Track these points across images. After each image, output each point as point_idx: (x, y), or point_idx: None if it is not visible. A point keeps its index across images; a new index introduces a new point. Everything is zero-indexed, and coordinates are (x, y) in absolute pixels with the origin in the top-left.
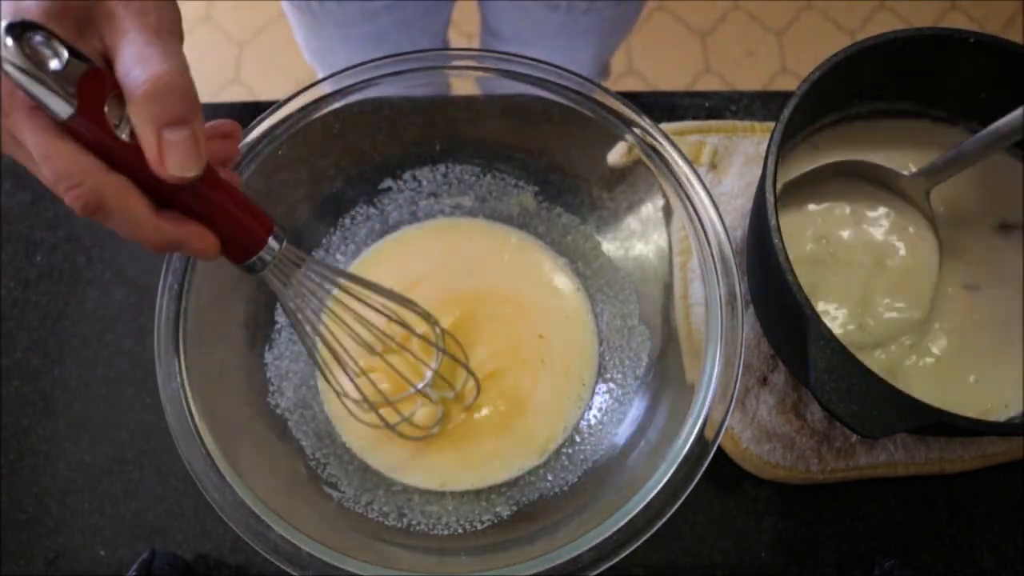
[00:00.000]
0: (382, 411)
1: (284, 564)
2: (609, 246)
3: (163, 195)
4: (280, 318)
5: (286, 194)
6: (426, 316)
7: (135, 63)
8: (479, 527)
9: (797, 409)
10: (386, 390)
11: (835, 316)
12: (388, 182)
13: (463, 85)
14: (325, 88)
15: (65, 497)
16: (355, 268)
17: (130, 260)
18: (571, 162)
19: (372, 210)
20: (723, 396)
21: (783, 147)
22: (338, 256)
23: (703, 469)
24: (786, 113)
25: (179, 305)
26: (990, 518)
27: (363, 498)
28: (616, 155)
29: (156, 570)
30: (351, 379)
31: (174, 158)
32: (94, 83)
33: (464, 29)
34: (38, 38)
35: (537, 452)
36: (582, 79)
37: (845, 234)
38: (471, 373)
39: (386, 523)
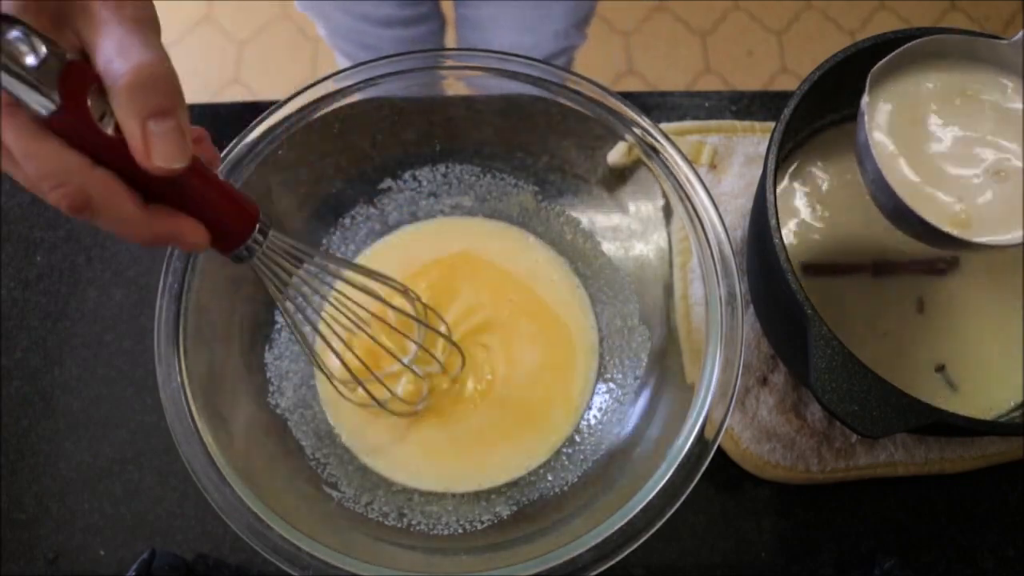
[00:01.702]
0: (371, 388)
1: (284, 564)
2: (609, 246)
3: (151, 189)
4: (280, 318)
5: (286, 194)
6: (404, 291)
7: (115, 54)
8: (479, 527)
9: (797, 409)
10: (372, 366)
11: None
12: (388, 182)
13: (463, 85)
14: (325, 88)
15: (65, 497)
16: None
17: (130, 260)
18: (571, 162)
19: (372, 210)
20: (723, 396)
21: (783, 147)
22: (338, 256)
23: (703, 469)
24: (786, 113)
25: (179, 305)
26: (990, 518)
27: (363, 498)
28: (616, 155)
29: (156, 570)
30: (339, 358)
31: (160, 149)
32: (75, 77)
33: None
34: (14, 32)
35: (538, 452)
36: (582, 79)
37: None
38: (453, 344)
39: (386, 523)
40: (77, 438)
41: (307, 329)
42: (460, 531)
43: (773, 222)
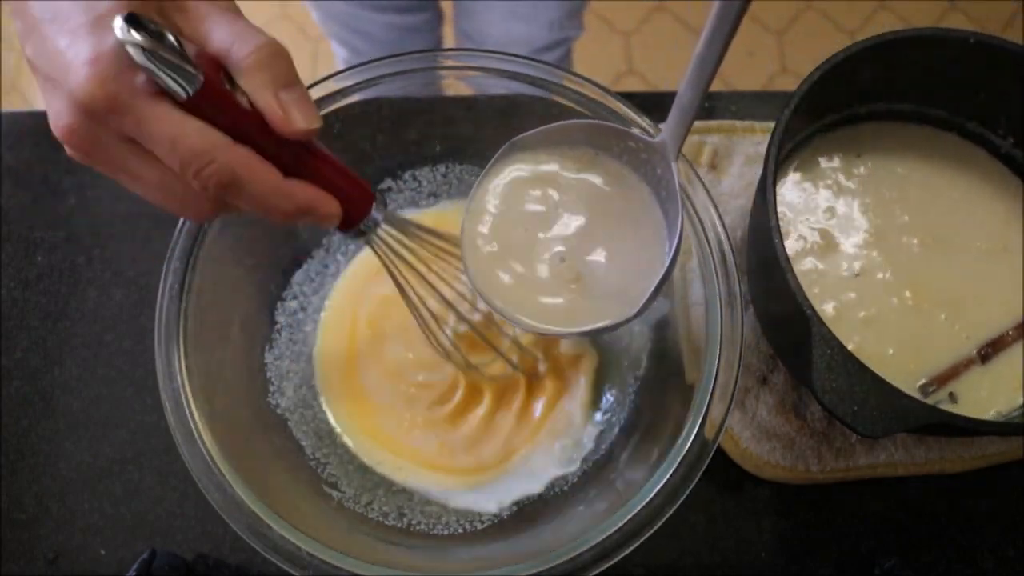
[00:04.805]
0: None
1: (284, 564)
2: None
3: (281, 167)
4: (280, 318)
5: None
6: None
7: (233, 39)
8: (479, 527)
9: (797, 409)
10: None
11: None
12: (388, 182)
13: (463, 85)
14: (325, 88)
15: (65, 497)
16: (354, 267)
17: (130, 260)
18: None
19: None
20: (723, 396)
21: (783, 147)
22: (339, 256)
23: (703, 469)
24: (786, 113)
25: (179, 305)
26: (990, 518)
27: (363, 498)
28: None
29: (156, 570)
30: (447, 336)
31: (296, 114)
32: (204, 60)
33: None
34: (151, 25)
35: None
36: (582, 79)
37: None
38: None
39: (386, 523)
40: (77, 438)
41: (419, 302)
42: (460, 531)
43: (773, 222)
